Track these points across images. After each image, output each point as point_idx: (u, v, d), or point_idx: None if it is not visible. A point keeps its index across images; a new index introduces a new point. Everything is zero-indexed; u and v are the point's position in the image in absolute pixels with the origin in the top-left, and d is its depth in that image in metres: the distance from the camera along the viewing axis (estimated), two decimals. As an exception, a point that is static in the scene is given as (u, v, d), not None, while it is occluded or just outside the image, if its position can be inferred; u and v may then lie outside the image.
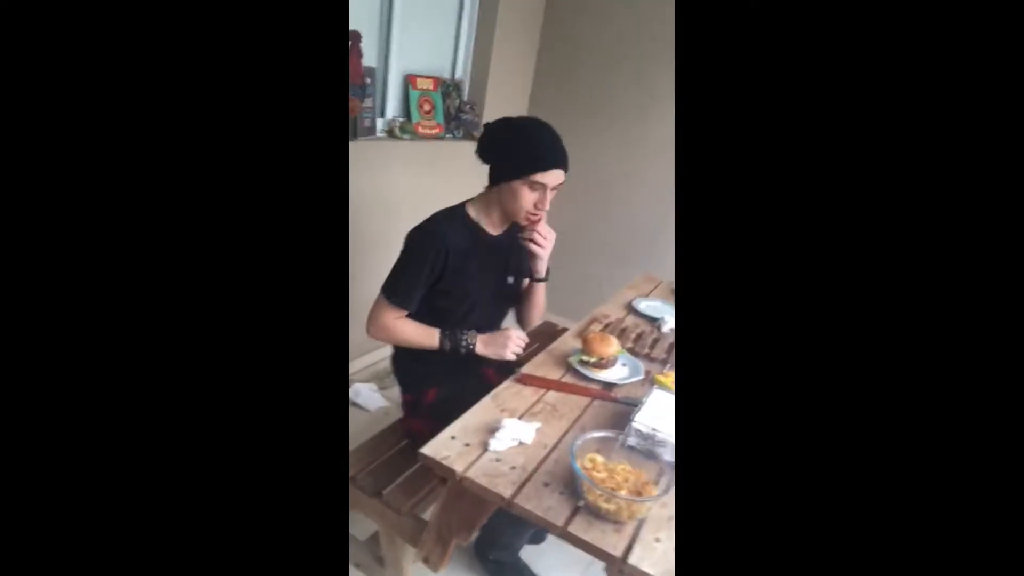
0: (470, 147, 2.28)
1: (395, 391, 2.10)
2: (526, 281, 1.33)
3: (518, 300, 1.36)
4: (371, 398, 1.97)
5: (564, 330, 1.75)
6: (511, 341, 1.18)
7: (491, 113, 2.36)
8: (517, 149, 1.11)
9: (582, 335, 1.23)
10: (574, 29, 2.42)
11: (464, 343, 1.18)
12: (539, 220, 1.16)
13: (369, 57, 1.83)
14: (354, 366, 2.14)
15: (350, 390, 1.98)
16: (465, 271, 1.18)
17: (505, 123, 1.16)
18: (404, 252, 1.18)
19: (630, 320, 1.46)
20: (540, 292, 1.32)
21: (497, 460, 0.85)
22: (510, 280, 1.29)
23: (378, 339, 1.24)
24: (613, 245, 2.51)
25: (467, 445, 0.88)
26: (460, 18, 2.19)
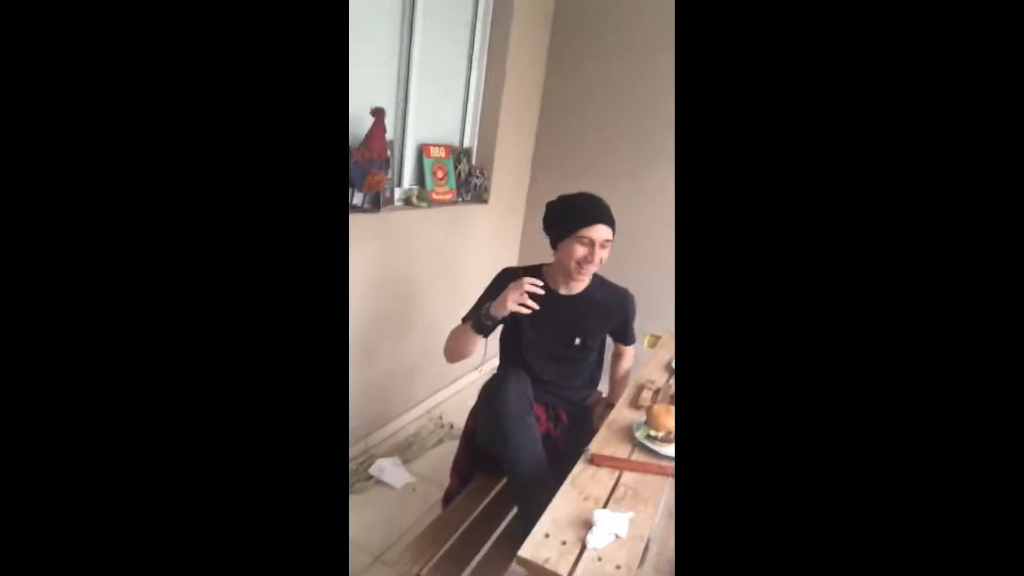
0: (481, 209, 2.35)
1: (419, 463, 2.04)
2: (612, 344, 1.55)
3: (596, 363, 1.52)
4: (396, 474, 1.89)
5: (601, 394, 1.73)
6: (511, 291, 1.20)
7: (499, 176, 2.41)
8: (569, 213, 1.33)
9: (644, 407, 1.22)
10: (571, 95, 2.52)
11: (484, 314, 1.25)
12: (588, 271, 1.33)
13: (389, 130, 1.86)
14: (375, 438, 2.07)
15: (373, 467, 1.90)
16: (530, 318, 1.31)
17: (560, 198, 1.37)
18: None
19: (675, 383, 1.46)
20: (624, 355, 1.58)
21: (599, 559, 0.82)
22: (576, 341, 1.38)
23: (446, 352, 1.40)
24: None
25: (564, 543, 0.84)
26: (468, 89, 2.26)
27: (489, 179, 2.35)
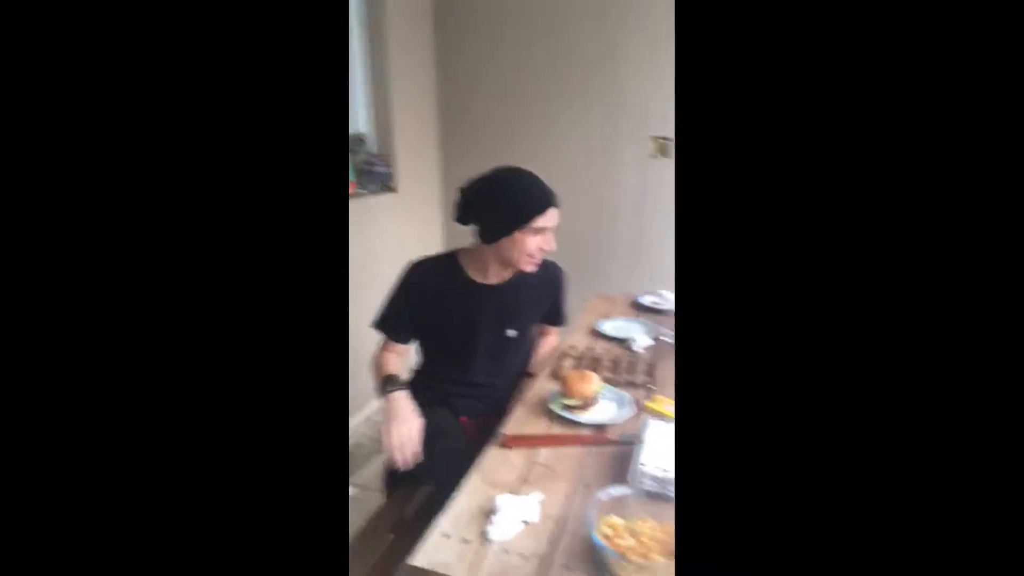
0: (390, 200, 2.21)
1: (362, 474, 1.91)
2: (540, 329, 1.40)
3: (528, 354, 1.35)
4: (336, 490, 1.77)
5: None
6: (392, 433, 1.04)
7: (405, 160, 2.27)
8: (509, 202, 1.09)
9: (558, 375, 1.13)
10: (467, 66, 2.40)
11: (387, 383, 1.13)
12: (539, 261, 1.16)
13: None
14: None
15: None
16: (456, 317, 1.18)
17: (482, 182, 1.12)
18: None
19: (600, 346, 1.38)
20: (550, 335, 1.41)
21: (505, 552, 0.73)
22: (511, 334, 1.22)
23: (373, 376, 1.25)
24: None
25: (465, 541, 0.75)
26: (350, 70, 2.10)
27: (394, 165, 2.22)
